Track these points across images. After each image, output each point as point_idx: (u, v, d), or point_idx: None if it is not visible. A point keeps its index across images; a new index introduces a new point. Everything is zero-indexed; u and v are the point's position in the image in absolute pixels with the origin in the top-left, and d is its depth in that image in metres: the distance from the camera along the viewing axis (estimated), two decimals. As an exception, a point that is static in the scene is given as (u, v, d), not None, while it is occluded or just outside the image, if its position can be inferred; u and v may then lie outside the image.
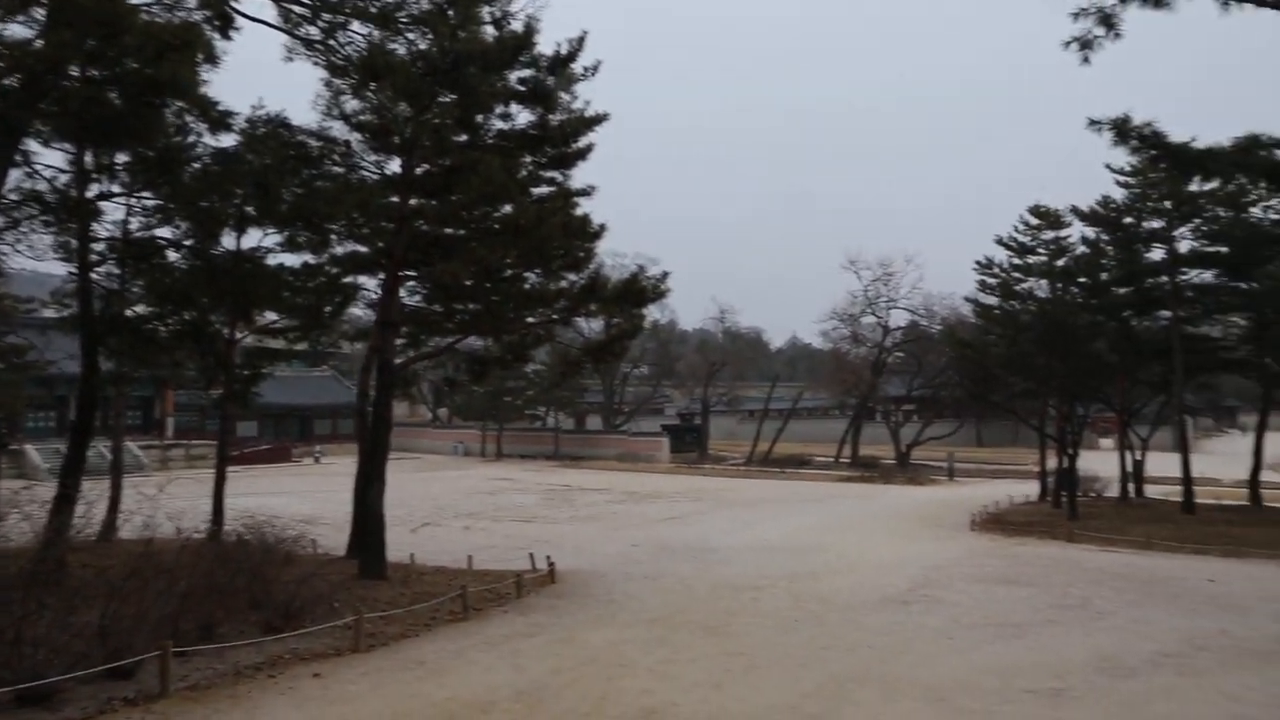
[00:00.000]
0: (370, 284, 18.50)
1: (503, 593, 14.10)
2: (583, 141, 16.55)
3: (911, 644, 11.15)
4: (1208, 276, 29.61)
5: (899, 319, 53.41)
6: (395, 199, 16.01)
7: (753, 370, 72.72)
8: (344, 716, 8.24)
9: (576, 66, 15.88)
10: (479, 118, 15.86)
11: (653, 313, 56.76)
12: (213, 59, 11.89)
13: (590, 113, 16.33)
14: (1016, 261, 34.86)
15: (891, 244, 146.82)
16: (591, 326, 41.24)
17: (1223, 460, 42.35)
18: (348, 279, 18.26)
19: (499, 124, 16.28)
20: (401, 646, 10.86)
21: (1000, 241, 35.00)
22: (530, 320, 17.31)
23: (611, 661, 10.23)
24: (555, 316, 17.13)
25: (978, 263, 36.22)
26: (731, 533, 23.10)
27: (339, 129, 15.84)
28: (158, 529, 11.91)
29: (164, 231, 15.36)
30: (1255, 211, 27.63)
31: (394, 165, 16.42)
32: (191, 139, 13.82)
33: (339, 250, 17.33)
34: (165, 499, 12.24)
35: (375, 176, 16.44)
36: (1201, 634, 11.77)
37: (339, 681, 9.26)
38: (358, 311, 21.23)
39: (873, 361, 52.79)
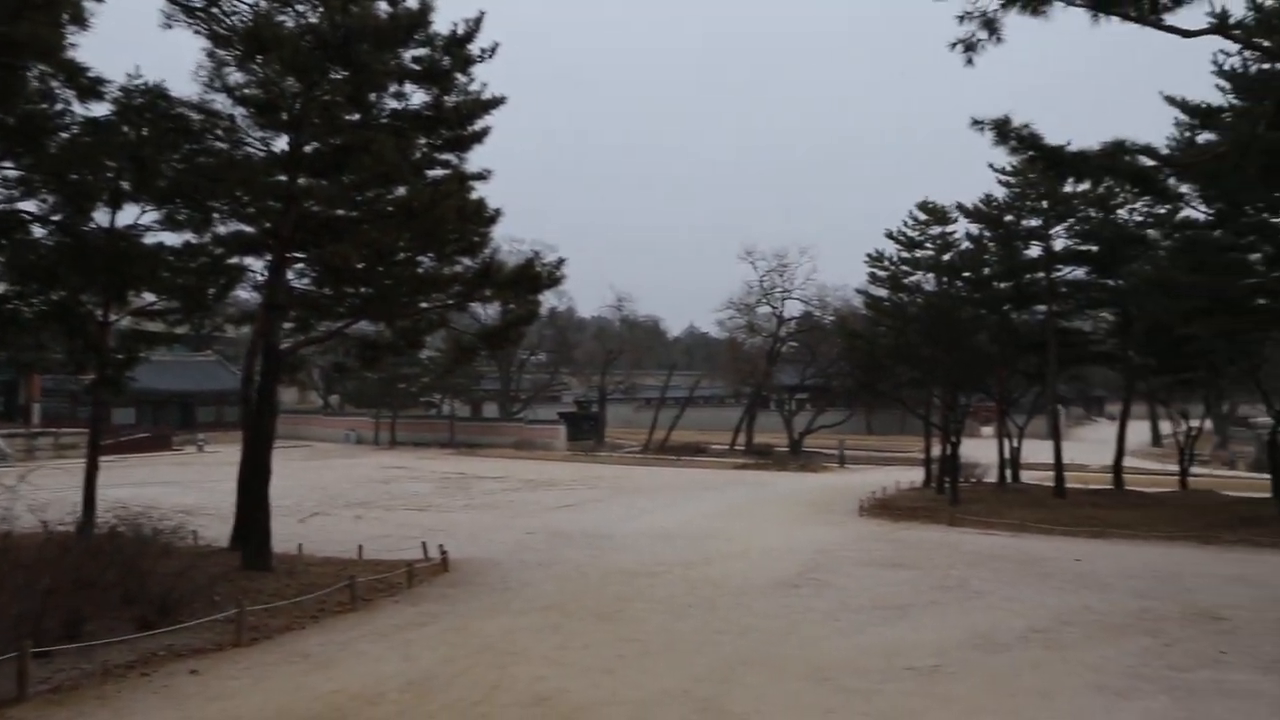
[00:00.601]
0: (256, 265, 17.75)
1: (394, 582, 13.82)
2: (479, 124, 16.29)
3: (800, 626, 11.43)
4: (1079, 273, 31.31)
5: (793, 309, 54.57)
6: (283, 177, 15.43)
7: (650, 359, 73.13)
8: (224, 713, 7.94)
9: (474, 47, 15.62)
10: (372, 96, 15.41)
11: (550, 299, 56.43)
12: (80, 20, 11.22)
13: (487, 95, 16.09)
14: (905, 255, 36.03)
15: (789, 235, 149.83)
16: (488, 312, 40.71)
17: (1091, 447, 44.80)
18: (232, 260, 17.47)
19: (393, 103, 15.87)
20: (286, 640, 10.53)
21: (890, 235, 36.13)
22: (424, 305, 16.97)
23: (504, 649, 10.15)
24: (450, 301, 16.85)
25: (869, 255, 37.31)
26: (627, 520, 23.21)
27: (222, 102, 15.13)
28: (18, 522, 11.20)
29: (29, 205, 14.40)
30: (1122, 213, 29.39)
31: (281, 142, 15.80)
32: (59, 106, 12.99)
33: (223, 230, 16.55)
34: (28, 490, 11.53)
35: (261, 153, 15.79)
36: (1068, 610, 12.43)
37: (219, 677, 8.92)
38: (243, 294, 20.37)
39: (767, 351, 53.74)
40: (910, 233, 35.56)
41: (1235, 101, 21.03)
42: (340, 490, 30.06)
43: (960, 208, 33.21)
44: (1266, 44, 15.98)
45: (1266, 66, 18.84)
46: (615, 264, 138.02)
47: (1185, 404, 41.12)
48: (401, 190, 15.40)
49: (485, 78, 16.35)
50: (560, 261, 15.88)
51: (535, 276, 15.57)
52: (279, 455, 15.93)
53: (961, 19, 12.15)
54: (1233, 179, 12.05)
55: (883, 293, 36.56)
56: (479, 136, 16.41)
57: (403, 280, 16.47)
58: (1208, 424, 47.61)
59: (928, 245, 35.24)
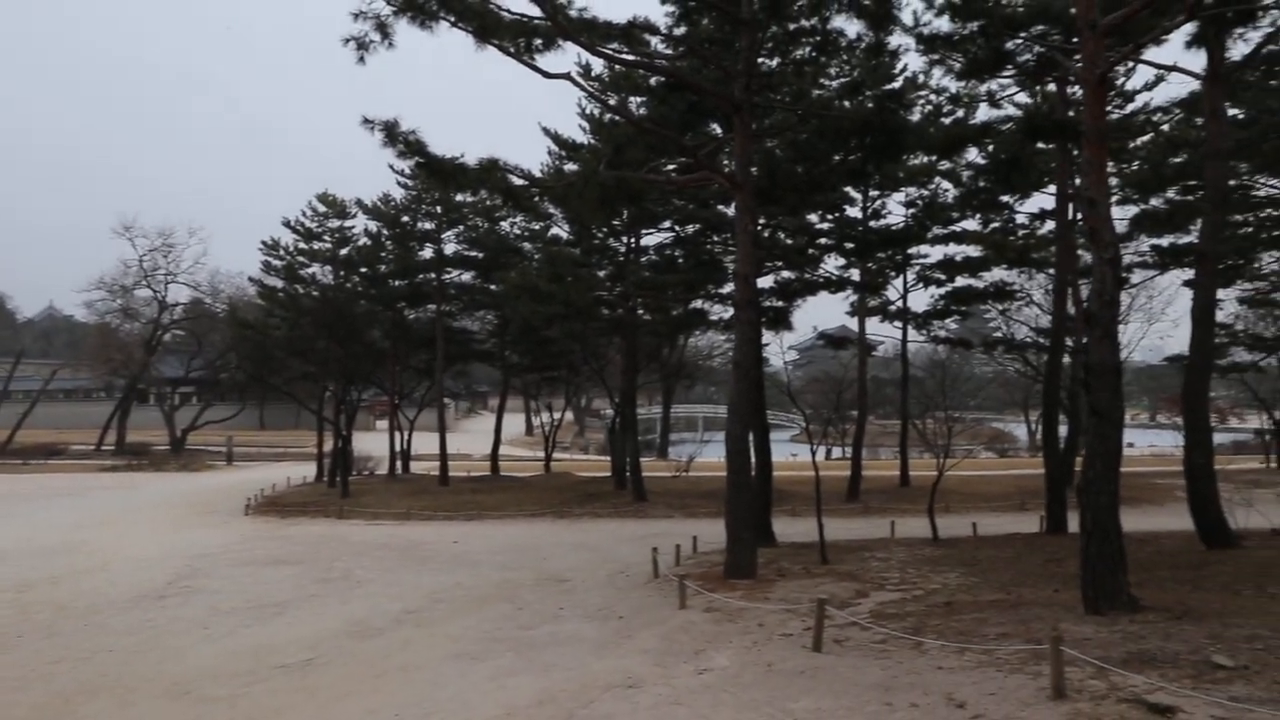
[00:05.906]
0: None
1: None
2: None
3: (160, 640, 10.49)
4: (467, 277, 34.02)
5: (179, 294, 49.87)
6: None
7: (-8, 344, 60.95)
8: None
9: None
10: None
11: None
12: None
13: None
14: (303, 246, 35.37)
15: (175, 213, 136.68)
16: None
17: (475, 438, 48.89)
18: None
19: None
20: None
21: (288, 224, 35.12)
22: None
23: None
24: None
25: (264, 243, 35.84)
26: (-56, 541, 18.96)
27: None
28: None
29: None
30: (504, 225, 32.65)
31: None
32: None
33: None
34: None
35: None
36: (442, 589, 13.37)
37: None
38: None
39: (147, 339, 48.30)
40: (309, 224, 35.01)
41: (591, 141, 24.80)
42: None
43: (360, 204, 33.72)
44: (612, 100, 19.12)
45: (610, 118, 22.54)
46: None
47: (551, 398, 47.24)
48: None
49: None
50: None
51: None
52: None
53: (356, 17, 12.31)
54: (581, 205, 14.08)
55: (278, 283, 35.39)
56: None
57: None
58: (569, 415, 55.40)
59: (326, 238, 35.05)
